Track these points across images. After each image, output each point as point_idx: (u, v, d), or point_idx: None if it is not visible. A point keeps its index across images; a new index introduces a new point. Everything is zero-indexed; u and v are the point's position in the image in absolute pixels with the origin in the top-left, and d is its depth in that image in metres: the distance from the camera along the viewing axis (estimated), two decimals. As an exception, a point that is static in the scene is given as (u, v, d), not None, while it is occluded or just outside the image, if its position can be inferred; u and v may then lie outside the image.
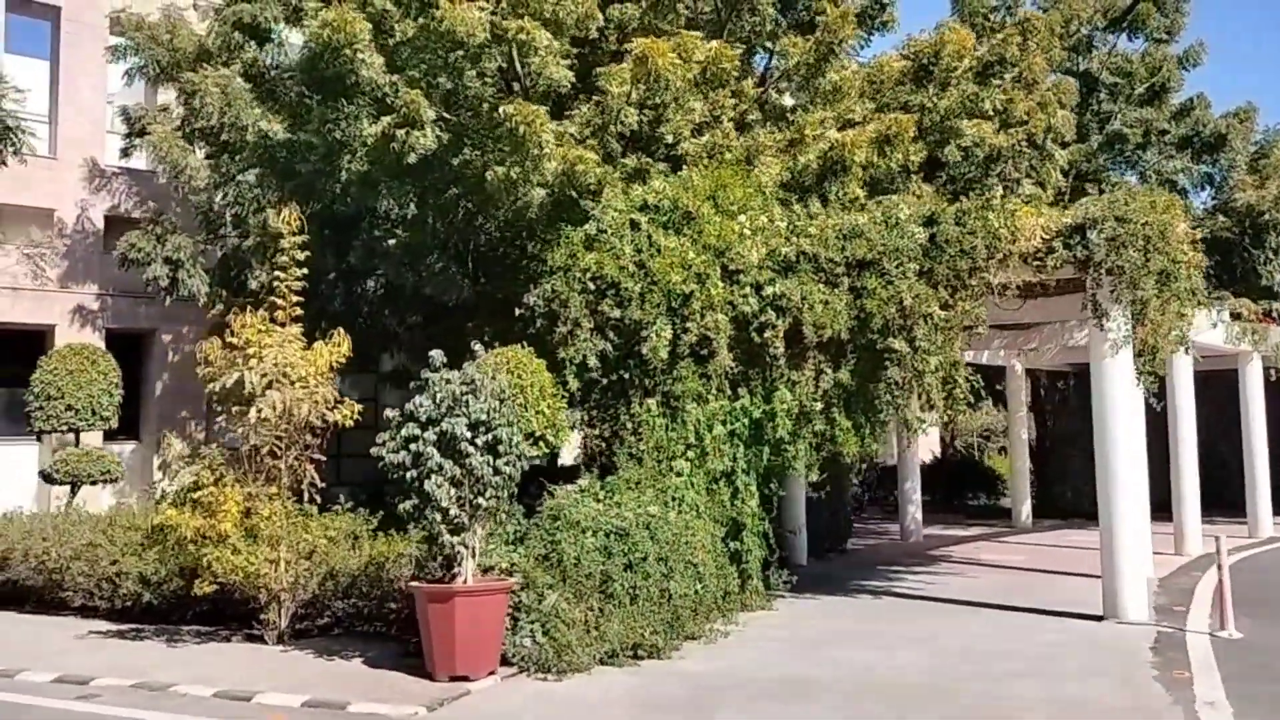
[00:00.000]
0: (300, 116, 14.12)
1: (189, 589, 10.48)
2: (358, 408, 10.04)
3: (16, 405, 22.05)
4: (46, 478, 15.11)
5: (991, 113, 14.20)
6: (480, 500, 8.26)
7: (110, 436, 21.84)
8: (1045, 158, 16.11)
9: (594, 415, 11.33)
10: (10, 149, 13.88)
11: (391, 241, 14.75)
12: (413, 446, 8.12)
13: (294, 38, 19.53)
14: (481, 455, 8.18)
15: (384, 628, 9.96)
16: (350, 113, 12.10)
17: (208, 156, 19.76)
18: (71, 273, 20.48)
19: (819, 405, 10.78)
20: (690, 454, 10.93)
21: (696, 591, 10.01)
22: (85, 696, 7.94)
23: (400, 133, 11.42)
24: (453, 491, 8.11)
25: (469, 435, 8.11)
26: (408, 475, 8.11)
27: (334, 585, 9.87)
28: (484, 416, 8.22)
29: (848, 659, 9.11)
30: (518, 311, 11.95)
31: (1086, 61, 23.90)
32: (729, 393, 11.11)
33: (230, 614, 10.39)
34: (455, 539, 8.20)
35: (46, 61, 22.65)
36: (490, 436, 8.25)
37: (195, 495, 9.34)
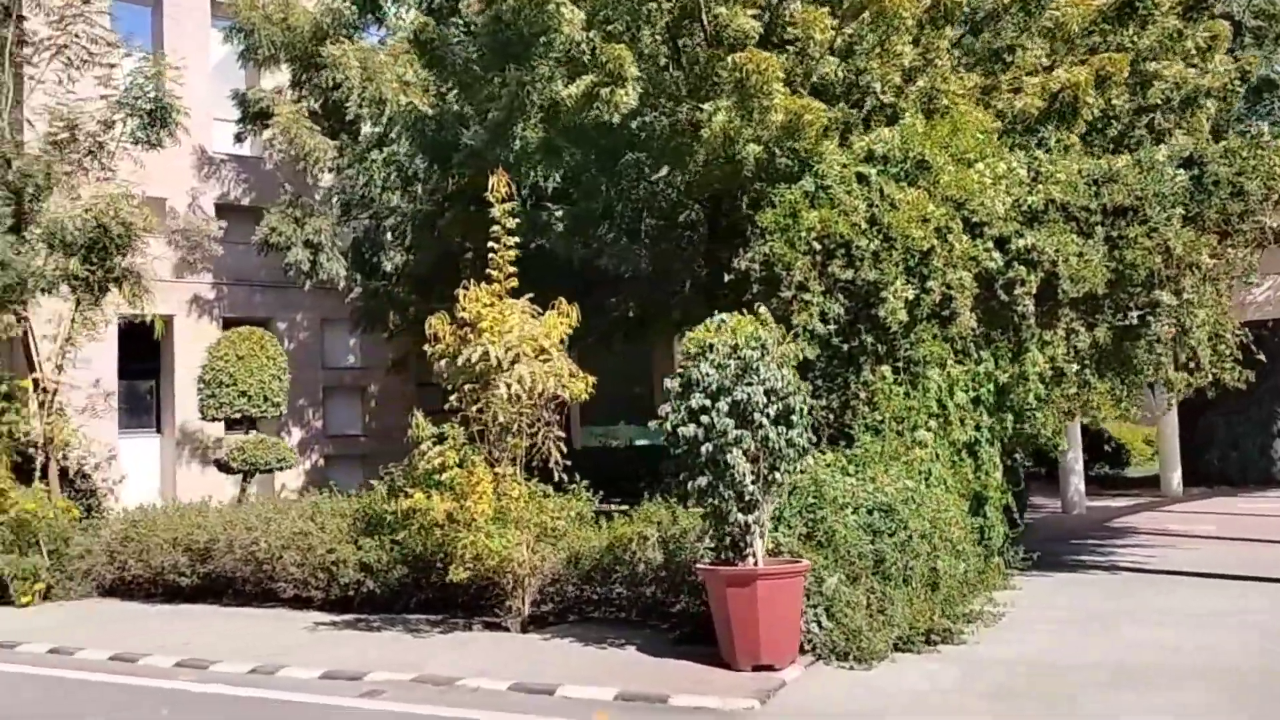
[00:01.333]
0: (468, 85, 13.55)
1: (413, 577, 10.04)
2: (592, 380, 9.44)
3: (138, 397, 21.86)
4: (222, 466, 14.74)
5: (1194, 51, 13.27)
6: (775, 474, 7.63)
7: (232, 425, 21.59)
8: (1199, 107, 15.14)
9: (819, 385, 10.63)
10: (167, 132, 13.40)
11: (559, 214, 14.14)
12: (704, 418, 7.50)
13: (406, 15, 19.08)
14: (775, 426, 7.54)
15: (626, 614, 9.44)
16: (541, 74, 11.45)
17: (332, 136, 19.33)
18: (187, 262, 20.05)
19: (1074, 367, 10.00)
20: (932, 424, 10.22)
21: (963, 571, 9.34)
22: (370, 694, 7.44)
23: (604, 91, 10.78)
24: (747, 466, 7.48)
25: (764, 404, 7.47)
26: (702, 449, 7.49)
27: (576, 569, 9.32)
28: (778, 384, 7.57)
29: (1151, 639, 8.40)
30: (726, 278, 11.32)
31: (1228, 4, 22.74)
32: (973, 356, 10.38)
33: (455, 602, 9.91)
34: (748, 517, 7.57)
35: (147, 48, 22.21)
36: (782, 405, 7.61)
37: (443, 478, 8.79)
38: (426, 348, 9.51)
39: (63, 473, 13.08)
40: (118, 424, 18.67)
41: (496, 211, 9.46)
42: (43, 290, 12.45)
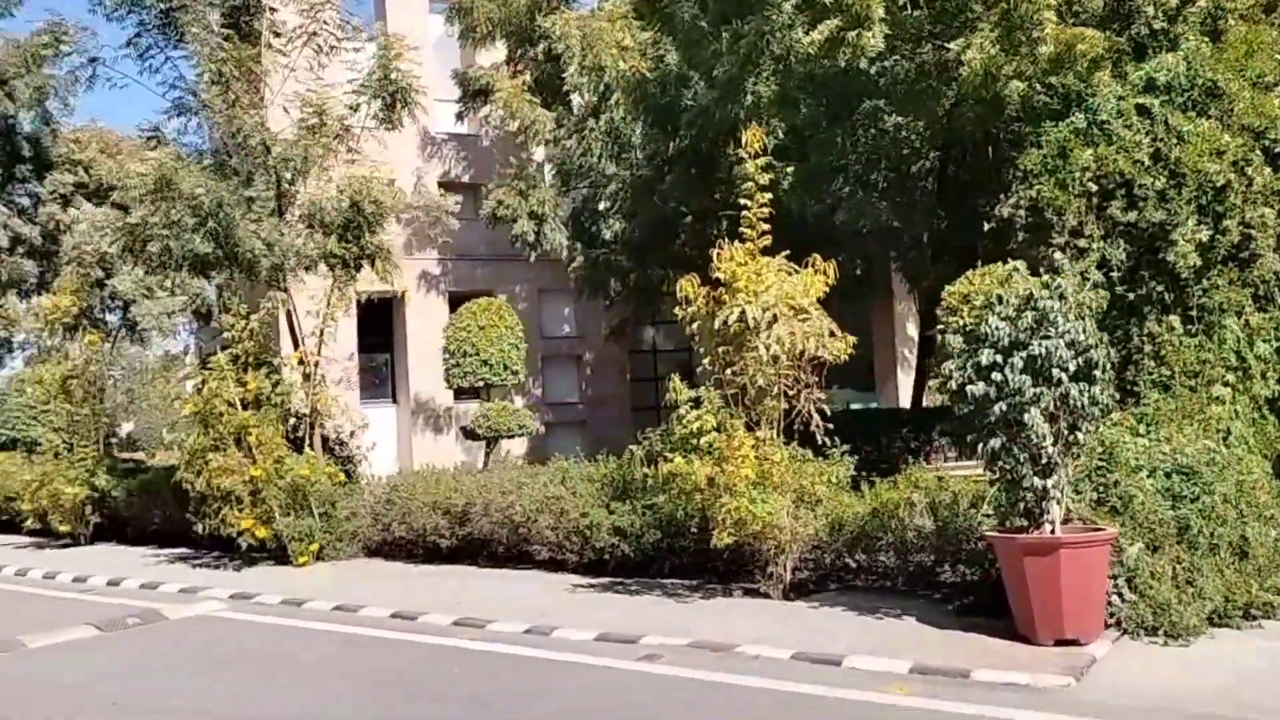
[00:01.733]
0: (693, 43, 13.30)
1: (667, 541, 10.00)
2: (852, 340, 9.03)
3: (374, 369, 23.01)
4: (469, 434, 15.26)
5: None
6: (1076, 435, 7.02)
7: (460, 394, 22.40)
8: None
9: (1095, 338, 9.79)
10: (407, 112, 13.82)
11: (790, 169, 13.71)
12: (995, 375, 6.97)
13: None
14: (1076, 383, 6.92)
15: (891, 582, 9.05)
16: (779, 22, 11.03)
17: (545, 108, 19.58)
18: (427, 238, 20.71)
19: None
20: (1230, 378, 9.23)
21: (1274, 539, 8.38)
22: (648, 658, 7.40)
23: (850, 35, 10.25)
24: (1046, 427, 6.90)
25: (1065, 359, 6.86)
26: (994, 409, 6.97)
27: (840, 535, 8.99)
28: (1078, 336, 6.94)
29: None
30: (986, 226, 10.62)
31: None
32: (1276, 302, 9.30)
33: (709, 567, 9.81)
34: (1045, 481, 7.00)
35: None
36: (1083, 360, 6.98)
37: (701, 442, 8.65)
38: (677, 310, 9.36)
39: (323, 441, 13.85)
40: (358, 395, 19.76)
41: (749, 167, 9.14)
42: (306, 268, 13.16)
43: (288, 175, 13.59)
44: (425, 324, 23.53)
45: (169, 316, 21.60)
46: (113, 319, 22.45)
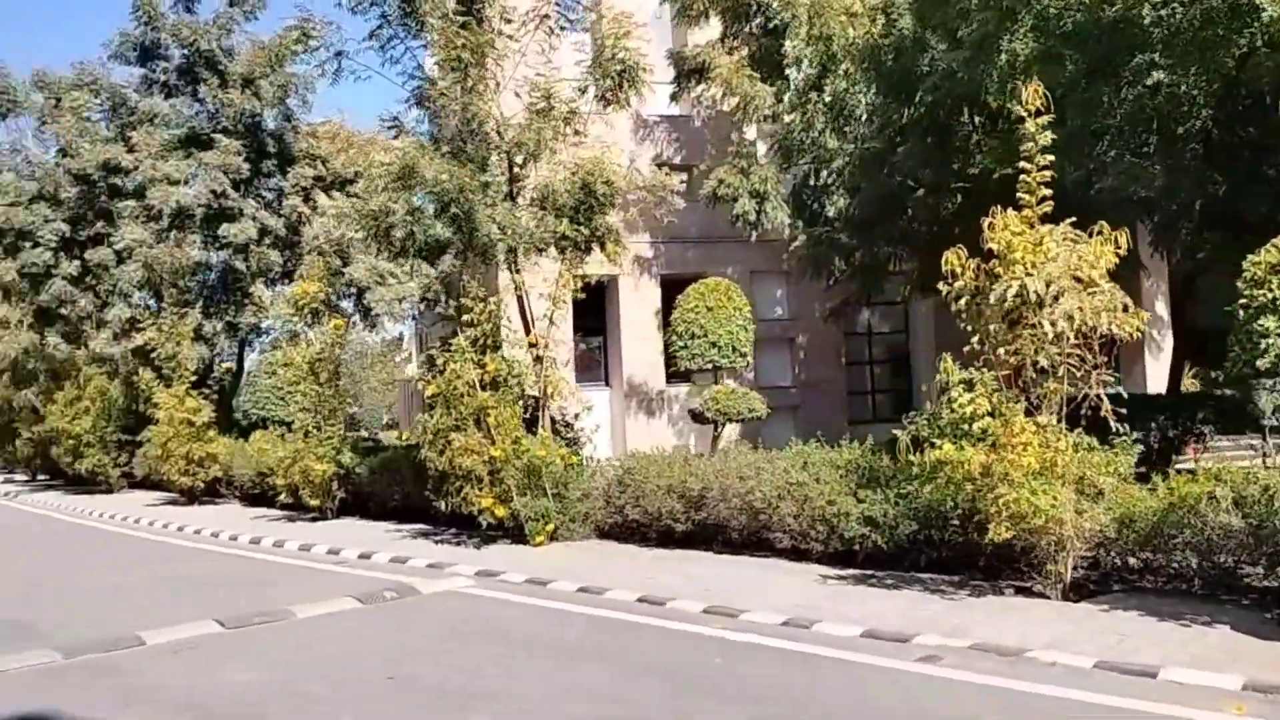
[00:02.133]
0: (936, 4, 12.49)
1: (924, 533, 9.40)
2: (1146, 316, 8.14)
3: (588, 352, 23.23)
4: (697, 416, 15.05)
5: None
6: None
7: (671, 378, 22.25)
8: None
9: None
10: (635, 91, 13.66)
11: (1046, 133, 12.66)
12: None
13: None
14: None
15: (1187, 585, 8.13)
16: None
17: (765, 83, 19.08)
18: (627, 223, 20.64)
19: None
20: None
21: None
22: (927, 659, 6.88)
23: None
24: None
25: None
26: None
27: (1131, 532, 8.13)
28: None
29: None
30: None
31: None
32: None
33: (972, 563, 9.15)
34: None
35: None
36: None
37: (973, 428, 8.00)
38: (941, 286, 8.72)
39: (550, 423, 13.96)
40: (574, 378, 19.99)
41: (1029, 126, 8.37)
42: (539, 250, 13.26)
43: (519, 159, 13.74)
44: (638, 307, 23.62)
45: (400, 302, 22.55)
46: (347, 305, 23.69)
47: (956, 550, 9.21)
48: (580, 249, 13.14)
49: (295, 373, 16.65)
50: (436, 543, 13.36)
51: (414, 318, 28.60)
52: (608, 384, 23.94)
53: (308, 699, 6.86)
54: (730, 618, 8.33)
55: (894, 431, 8.64)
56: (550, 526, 12.37)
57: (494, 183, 13.26)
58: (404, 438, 12.64)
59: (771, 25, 18.37)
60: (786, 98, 18.71)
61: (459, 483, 12.43)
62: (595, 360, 23.87)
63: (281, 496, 16.51)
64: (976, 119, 15.12)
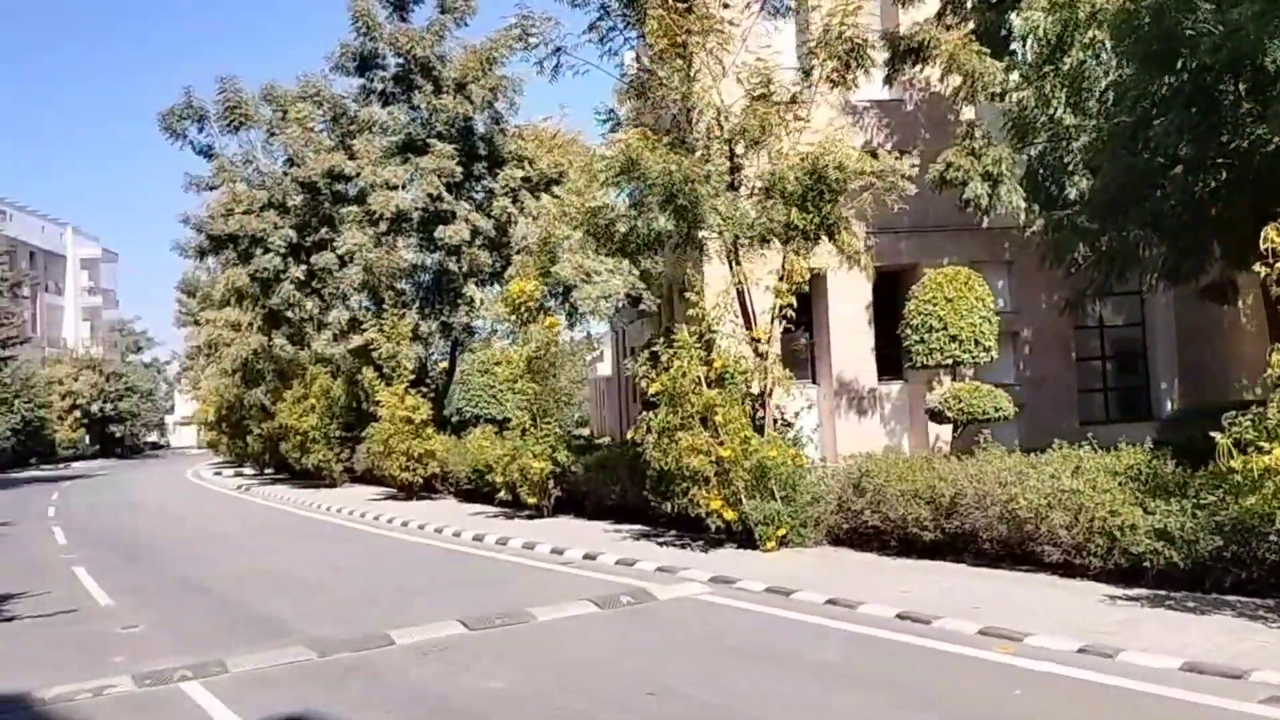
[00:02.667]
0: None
1: (1231, 550, 8.19)
2: None
3: (795, 350, 22.38)
4: (934, 415, 14.09)
5: None
6: None
7: (884, 375, 21.17)
8: None
9: None
10: (863, 71, 12.86)
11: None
12: None
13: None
14: None
15: None
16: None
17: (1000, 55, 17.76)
18: (883, 205, 19.57)
19: None
20: None
21: None
22: (1274, 700, 5.84)
23: None
24: None
25: None
26: None
27: None
28: None
29: None
30: None
31: None
32: None
33: None
34: None
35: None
36: None
37: (1315, 430, 6.84)
38: (1258, 267, 7.54)
39: (772, 422, 13.33)
40: (783, 375, 19.27)
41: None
42: (762, 241, 12.67)
43: (740, 148, 13.20)
44: (847, 302, 22.64)
45: (605, 300, 22.49)
46: (552, 304, 23.85)
47: (1272, 570, 7.98)
48: (809, 239, 12.45)
49: (511, 371, 16.72)
50: (659, 544, 12.99)
51: (610, 317, 28.51)
52: (814, 381, 23.08)
53: (566, 713, 6.51)
54: (1013, 641, 7.46)
55: (1214, 435, 7.50)
56: (781, 531, 11.76)
57: (715, 172, 12.76)
58: (631, 435, 12.28)
59: (996, -1, 17.07)
60: (1015, 73, 17.33)
61: (685, 483, 11.99)
62: (801, 357, 23.06)
63: (499, 493, 16.61)
64: (1242, 86, 13.46)
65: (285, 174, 25.05)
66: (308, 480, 29.47)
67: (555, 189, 23.93)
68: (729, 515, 11.87)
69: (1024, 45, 17.31)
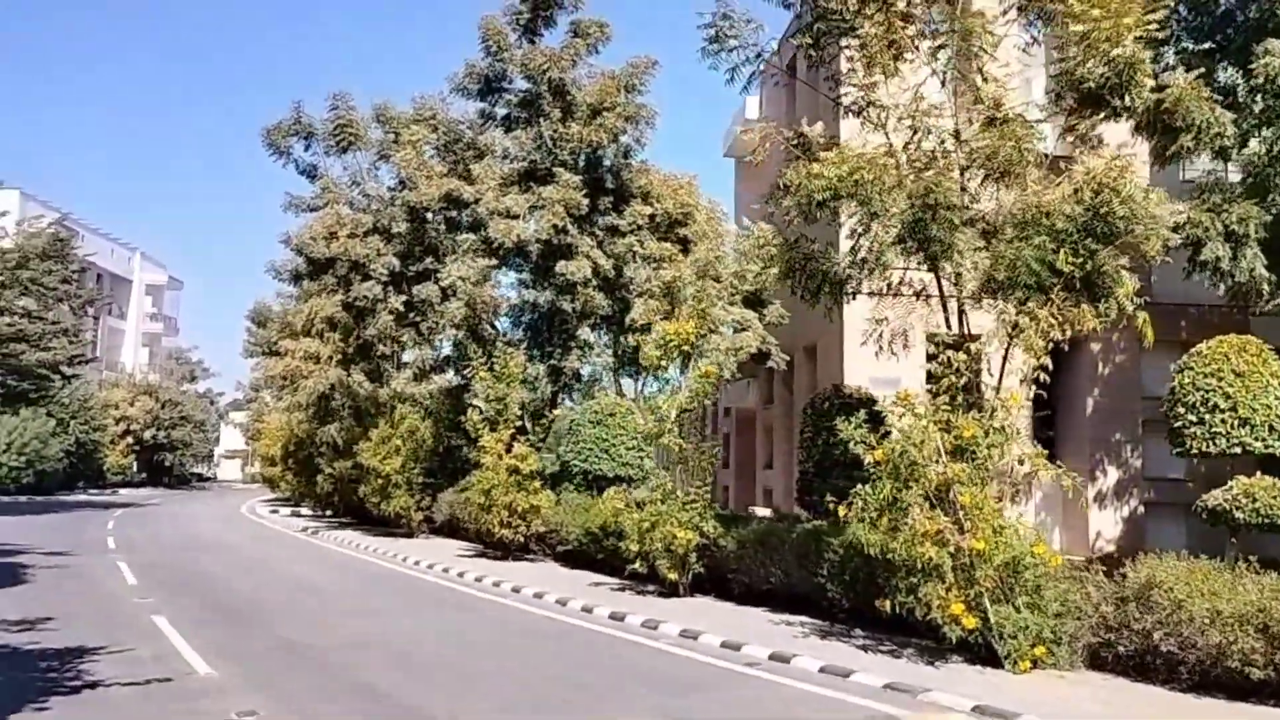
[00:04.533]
0: None
1: None
2: None
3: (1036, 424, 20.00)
4: (1217, 516, 11.68)
5: None
6: None
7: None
8: None
9: None
10: (1136, 95, 10.80)
11: None
12: None
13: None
14: None
15: None
16: None
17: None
18: None
19: None
20: None
21: None
22: None
23: None
24: None
25: None
26: None
27: None
28: None
29: None
30: None
31: None
32: None
33: None
34: None
35: None
36: None
37: None
38: None
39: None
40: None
41: None
42: (1004, 290, 10.52)
43: (977, 179, 11.16)
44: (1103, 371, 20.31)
45: (735, 353, 20.43)
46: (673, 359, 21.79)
47: None
48: (1074, 290, 10.26)
49: (658, 425, 14.60)
50: (860, 649, 10.65)
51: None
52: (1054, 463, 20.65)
53: None
54: None
55: None
56: (1038, 650, 9.41)
57: (955, 203, 10.70)
58: (842, 511, 10.10)
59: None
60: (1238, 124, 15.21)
61: (913, 577, 9.72)
62: (1039, 435, 20.56)
63: (633, 564, 14.37)
64: None
65: (395, 198, 23.40)
66: (380, 528, 27.41)
67: (680, 230, 22.07)
68: (970, 623, 9.55)
69: (1258, 95, 15.30)
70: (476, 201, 21.04)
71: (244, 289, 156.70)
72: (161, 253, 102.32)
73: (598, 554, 17.26)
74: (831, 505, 10.70)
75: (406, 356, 27.41)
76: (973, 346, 10.07)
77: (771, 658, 10.32)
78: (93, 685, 8.57)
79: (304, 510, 38.47)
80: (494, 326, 24.92)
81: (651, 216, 21.59)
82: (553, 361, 21.53)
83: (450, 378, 27.00)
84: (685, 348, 14.68)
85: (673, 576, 14.16)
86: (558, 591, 14.83)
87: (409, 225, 23.37)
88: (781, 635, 11.44)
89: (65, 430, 54.85)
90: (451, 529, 24.83)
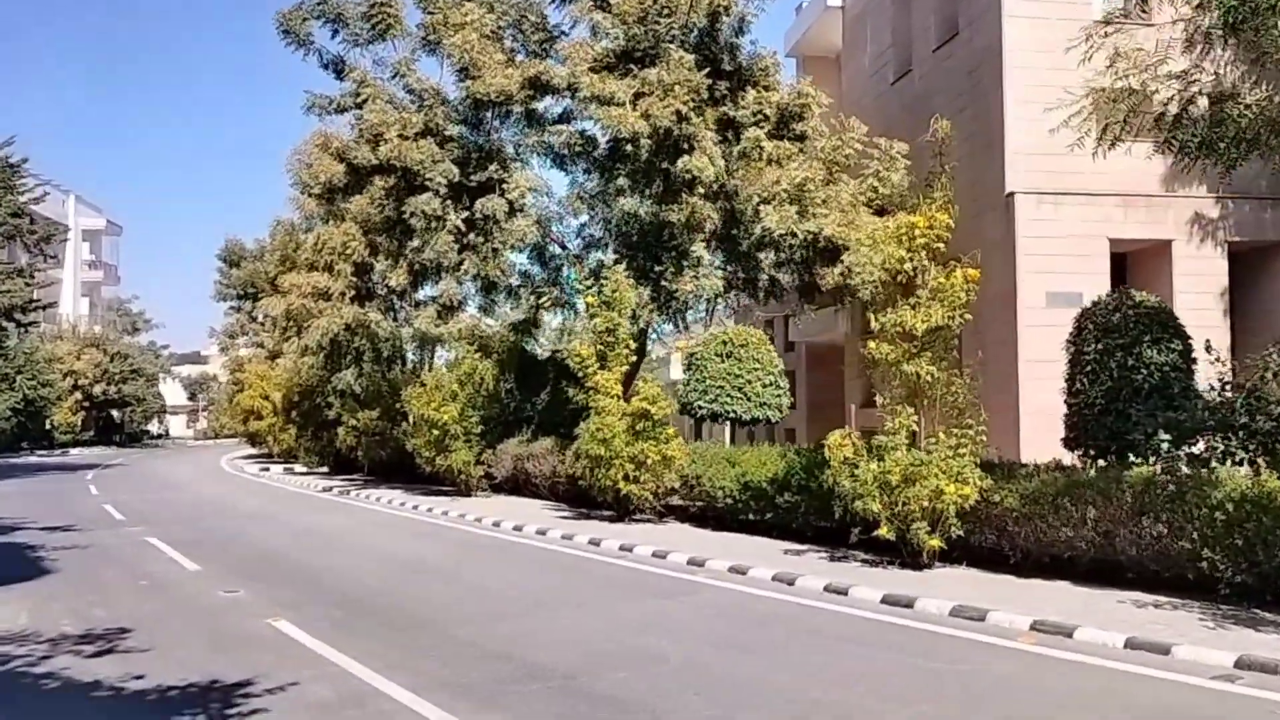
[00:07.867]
0: None
1: None
2: None
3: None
4: None
5: None
6: None
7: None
8: None
9: None
10: None
11: None
12: None
13: None
14: None
15: None
16: None
17: None
18: (1180, 172, 13.98)
19: None
20: None
21: None
22: None
23: None
24: None
25: None
26: None
27: None
28: None
29: None
30: None
31: None
32: None
33: None
34: None
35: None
36: None
37: None
38: None
39: None
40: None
41: None
42: None
43: None
44: (1194, 285, 17.41)
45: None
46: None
47: None
48: None
49: (891, 352, 11.21)
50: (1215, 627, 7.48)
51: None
52: None
53: None
54: None
55: None
56: None
57: None
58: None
59: None
60: None
61: None
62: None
63: (881, 530, 11.02)
64: None
65: (455, 90, 19.31)
66: (424, 485, 23.75)
67: (796, 125, 18.47)
68: None
69: None
70: (570, 89, 17.19)
71: (189, 233, 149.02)
72: (96, 195, 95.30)
73: (765, 513, 13.95)
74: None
75: (431, 291, 23.53)
76: None
77: (1128, 646, 7.12)
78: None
79: (298, 468, 34.50)
80: (563, 246, 21.22)
81: (772, 108, 17.92)
82: (664, 283, 17.87)
83: (473, 314, 23.30)
84: (938, 245, 11.25)
85: (933, 544, 10.89)
86: (761, 566, 11.48)
87: (467, 126, 19.44)
88: (1141, 618, 8.22)
89: (12, 387, 49.77)
90: (514, 486, 21.32)
